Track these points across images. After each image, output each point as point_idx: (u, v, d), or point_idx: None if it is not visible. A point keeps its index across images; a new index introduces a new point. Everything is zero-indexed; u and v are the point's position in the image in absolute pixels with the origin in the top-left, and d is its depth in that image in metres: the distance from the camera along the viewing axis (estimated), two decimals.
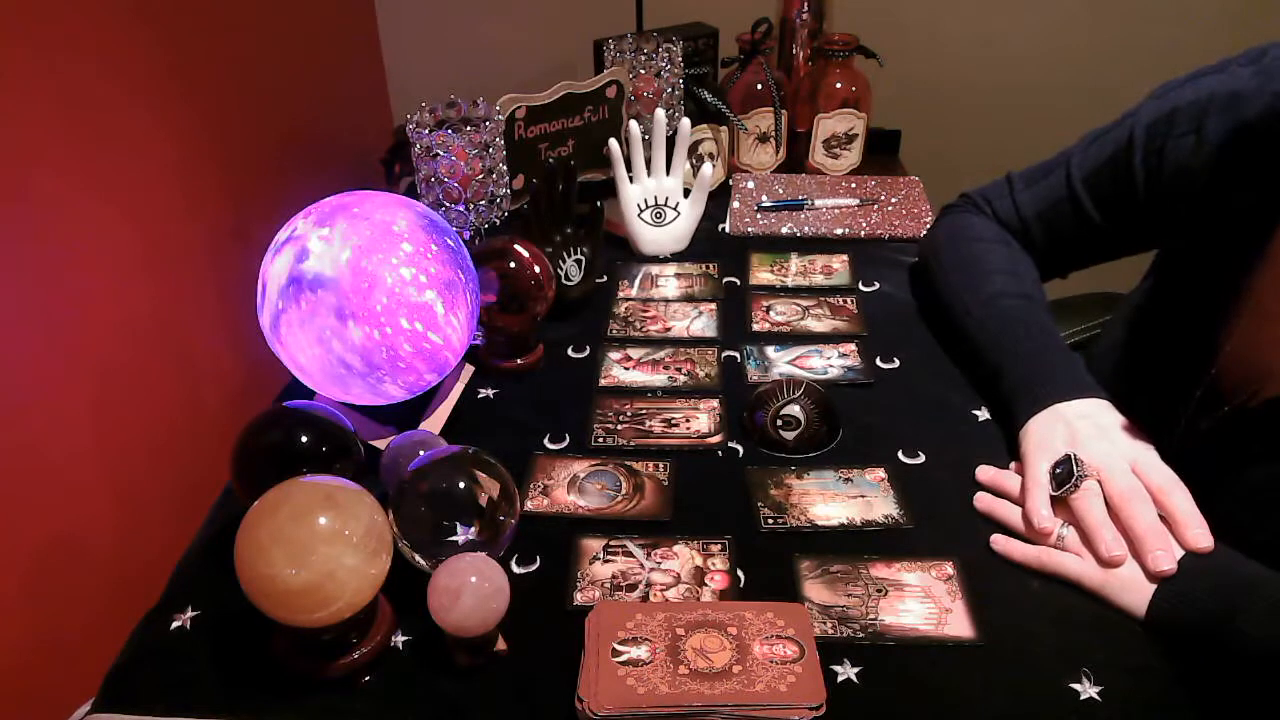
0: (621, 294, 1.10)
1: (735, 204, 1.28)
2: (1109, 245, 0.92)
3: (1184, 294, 0.82)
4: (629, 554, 0.73)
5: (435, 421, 0.86)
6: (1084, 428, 0.75)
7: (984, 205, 1.00)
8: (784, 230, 1.22)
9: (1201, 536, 0.67)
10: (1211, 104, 0.78)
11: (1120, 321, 0.94)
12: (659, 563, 0.72)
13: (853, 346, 0.98)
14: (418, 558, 0.65)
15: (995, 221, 0.98)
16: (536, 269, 0.91)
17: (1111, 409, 0.77)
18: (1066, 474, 0.72)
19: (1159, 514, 0.69)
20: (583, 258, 1.04)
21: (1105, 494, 0.71)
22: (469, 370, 0.94)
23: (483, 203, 1.01)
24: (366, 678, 0.64)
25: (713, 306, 1.06)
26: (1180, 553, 0.67)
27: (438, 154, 0.96)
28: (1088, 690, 0.62)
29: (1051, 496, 0.73)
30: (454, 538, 0.65)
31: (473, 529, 0.65)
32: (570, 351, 0.99)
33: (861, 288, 1.10)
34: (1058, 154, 0.94)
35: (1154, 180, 0.83)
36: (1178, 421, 0.77)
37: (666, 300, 1.08)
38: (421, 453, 0.70)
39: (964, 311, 0.93)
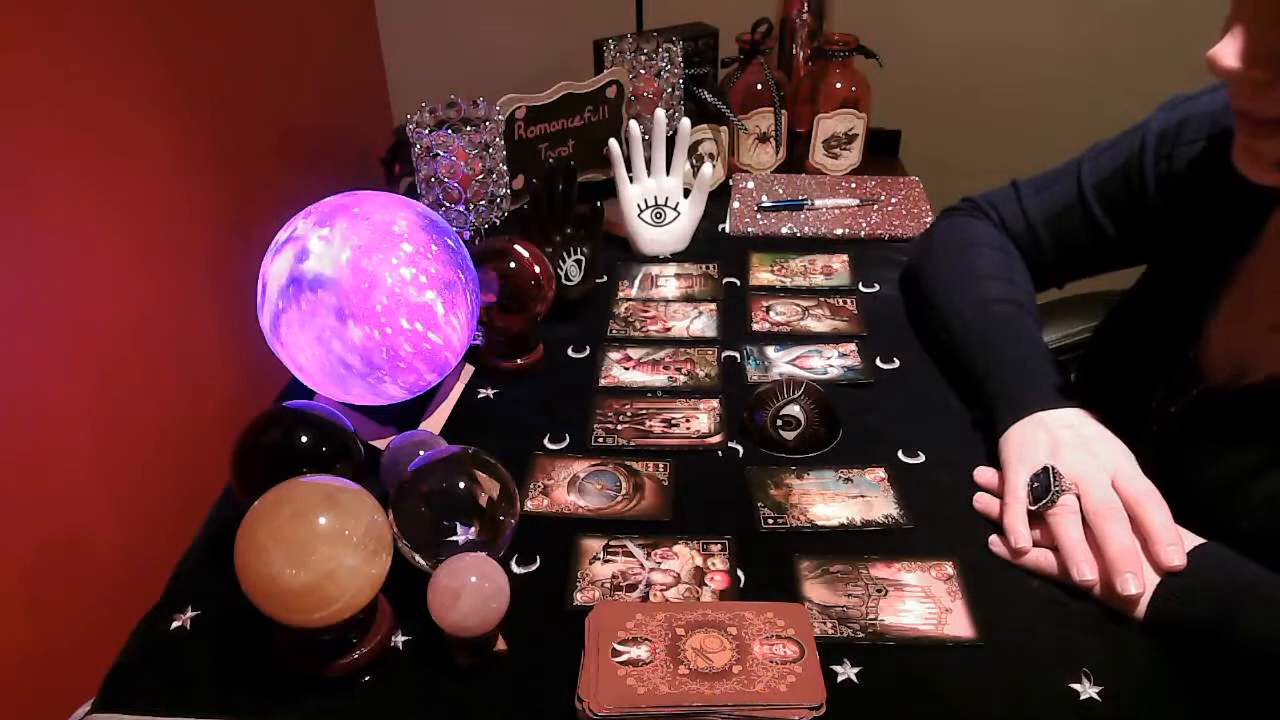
0: (621, 294, 1.10)
1: (735, 204, 1.28)
2: (1116, 254, 0.92)
3: (1172, 287, 0.83)
4: (629, 554, 0.73)
5: (435, 421, 0.86)
6: (1066, 437, 0.75)
7: (989, 210, 0.99)
8: (784, 230, 1.22)
9: (1174, 554, 0.66)
10: (1223, 115, 0.79)
11: (1111, 317, 0.94)
12: (659, 563, 0.72)
13: (853, 346, 0.98)
14: (418, 558, 0.65)
15: (999, 227, 0.98)
16: (536, 269, 0.91)
17: (1093, 420, 0.77)
18: (1044, 488, 0.71)
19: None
20: (583, 258, 1.04)
21: (1082, 508, 0.70)
22: (469, 370, 0.94)
23: (483, 203, 1.01)
24: (366, 678, 0.64)
25: (713, 306, 1.06)
26: (1153, 574, 0.66)
27: (438, 154, 0.96)
28: (1088, 690, 0.62)
29: (1029, 510, 0.72)
30: (454, 538, 0.65)
31: (473, 529, 0.65)
32: (570, 351, 0.99)
33: (861, 288, 1.10)
34: (1064, 163, 0.94)
35: (1164, 185, 0.84)
36: (1151, 404, 0.77)
37: (666, 300, 1.08)
38: (421, 453, 0.70)
39: (954, 313, 0.92)
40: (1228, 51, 0.60)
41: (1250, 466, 0.69)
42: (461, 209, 1.00)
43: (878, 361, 0.96)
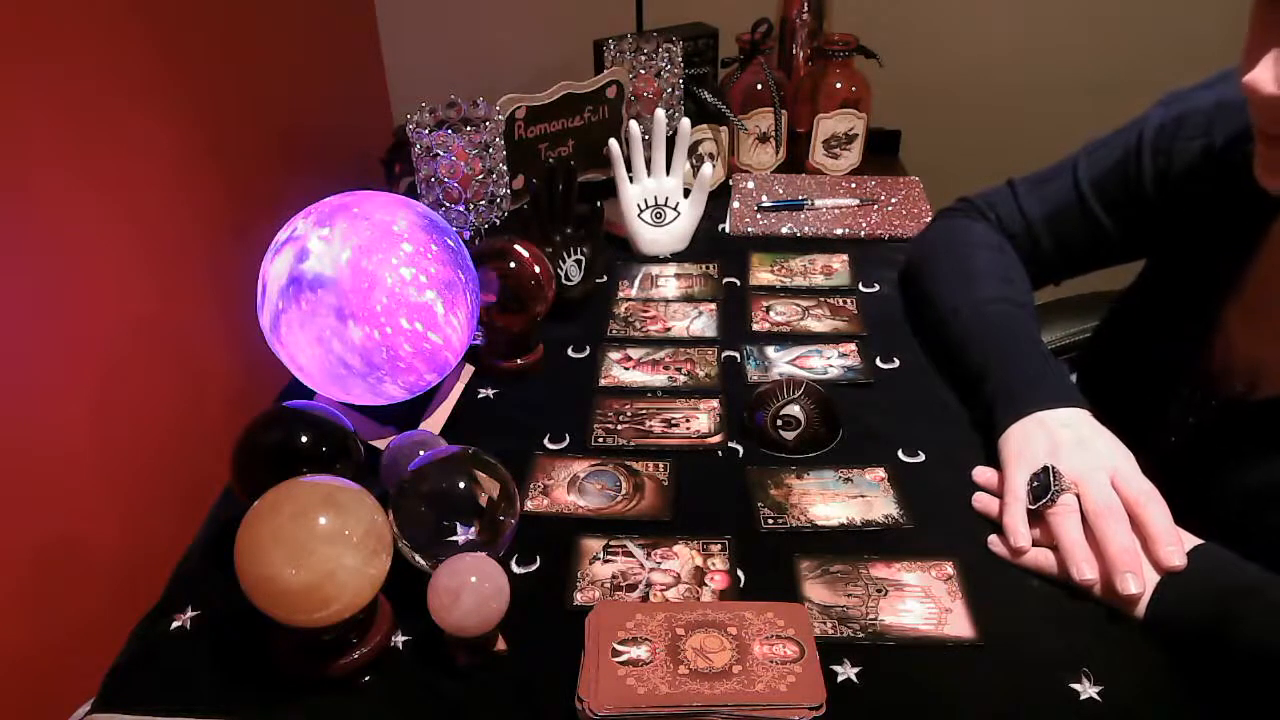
0: (621, 294, 1.10)
1: (735, 204, 1.28)
2: (1114, 249, 0.92)
3: (1176, 289, 0.82)
4: (629, 554, 0.73)
5: (435, 421, 0.86)
6: (1065, 437, 0.74)
7: (986, 210, 0.99)
8: (784, 230, 1.22)
9: (1174, 554, 0.66)
10: (1219, 111, 0.79)
11: (1112, 317, 0.94)
12: (659, 563, 0.72)
13: (853, 346, 0.98)
14: (418, 558, 0.65)
15: (997, 226, 0.98)
16: (536, 269, 0.91)
17: (1093, 419, 0.77)
18: (1044, 487, 0.71)
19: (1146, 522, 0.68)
20: (583, 258, 1.04)
21: (1082, 508, 0.70)
22: (469, 370, 0.94)
23: (483, 203, 1.01)
24: (366, 678, 0.64)
25: (713, 306, 1.06)
26: (1152, 573, 0.66)
27: (438, 154, 0.96)
28: (1088, 690, 0.62)
29: (1029, 510, 0.72)
30: (454, 538, 0.65)
31: (473, 529, 0.65)
32: (570, 351, 0.99)
33: (861, 288, 1.10)
34: (1060, 161, 0.94)
35: (1162, 182, 0.84)
36: (1166, 416, 0.77)
37: (666, 300, 1.08)
38: (421, 453, 0.70)
39: (952, 312, 0.92)
40: (1267, 78, 0.58)
41: (1274, 479, 0.69)
42: (461, 209, 1.00)
43: (877, 361, 0.96)
